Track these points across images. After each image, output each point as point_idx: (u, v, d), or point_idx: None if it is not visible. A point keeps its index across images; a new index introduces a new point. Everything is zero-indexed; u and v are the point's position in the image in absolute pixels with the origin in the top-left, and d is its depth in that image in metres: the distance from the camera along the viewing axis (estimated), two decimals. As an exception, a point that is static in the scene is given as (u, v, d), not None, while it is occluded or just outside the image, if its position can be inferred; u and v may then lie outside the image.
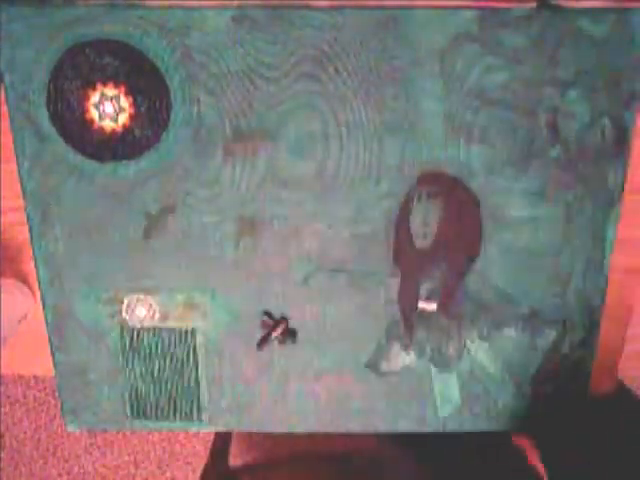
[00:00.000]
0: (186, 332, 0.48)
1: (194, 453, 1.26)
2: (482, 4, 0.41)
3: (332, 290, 0.46)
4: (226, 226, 0.45)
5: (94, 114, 0.42)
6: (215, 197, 0.44)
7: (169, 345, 0.48)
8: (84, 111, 0.42)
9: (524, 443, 0.63)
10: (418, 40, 0.40)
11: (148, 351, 0.48)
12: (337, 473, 0.85)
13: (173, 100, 0.42)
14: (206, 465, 0.84)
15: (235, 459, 1.13)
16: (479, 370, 0.48)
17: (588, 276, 0.46)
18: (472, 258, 0.45)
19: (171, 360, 0.49)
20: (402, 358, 0.48)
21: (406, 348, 0.48)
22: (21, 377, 1.26)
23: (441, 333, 0.47)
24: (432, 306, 0.47)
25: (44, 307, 0.47)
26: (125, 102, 0.42)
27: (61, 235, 0.45)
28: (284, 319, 0.47)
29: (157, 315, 0.47)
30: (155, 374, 0.49)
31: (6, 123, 0.44)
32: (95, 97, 0.42)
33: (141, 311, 0.47)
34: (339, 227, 0.45)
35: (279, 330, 0.47)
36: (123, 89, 0.42)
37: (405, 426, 0.50)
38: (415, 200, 0.44)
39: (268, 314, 0.47)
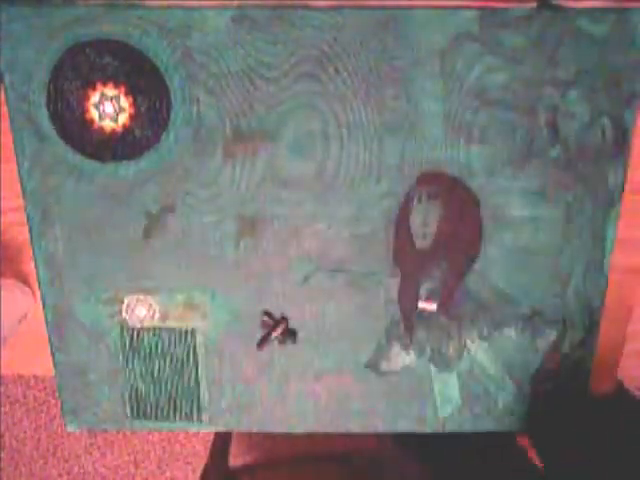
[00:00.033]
0: (186, 332, 0.48)
1: (194, 453, 1.26)
2: (482, 4, 0.41)
3: (332, 290, 0.46)
4: (226, 226, 0.45)
5: (94, 114, 0.42)
6: (215, 197, 0.44)
7: (169, 345, 0.48)
8: (84, 111, 0.42)
9: (527, 443, 0.63)
10: (418, 40, 0.40)
11: (148, 351, 0.48)
12: (337, 473, 0.85)
13: (173, 100, 0.42)
14: (206, 465, 0.84)
15: (235, 459, 1.13)
16: (479, 370, 0.48)
17: (588, 276, 0.46)
18: (472, 258, 0.45)
19: (171, 360, 0.49)
20: (402, 358, 0.48)
21: (406, 348, 0.48)
22: (21, 377, 1.26)
23: (441, 333, 0.47)
24: (432, 306, 0.47)
25: (44, 307, 0.47)
26: (125, 102, 0.42)
27: (61, 235, 0.45)
28: (284, 319, 0.47)
29: (157, 315, 0.47)
30: (155, 374, 0.49)
31: (6, 123, 0.44)
32: (95, 97, 0.42)
33: (141, 311, 0.47)
34: (339, 227, 0.45)
35: (279, 330, 0.47)
36: (123, 89, 0.42)
37: (405, 426, 0.50)
38: (415, 200, 0.44)
39: (268, 314, 0.47)
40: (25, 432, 1.28)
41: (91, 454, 1.28)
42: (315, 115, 0.42)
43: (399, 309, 0.47)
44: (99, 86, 0.41)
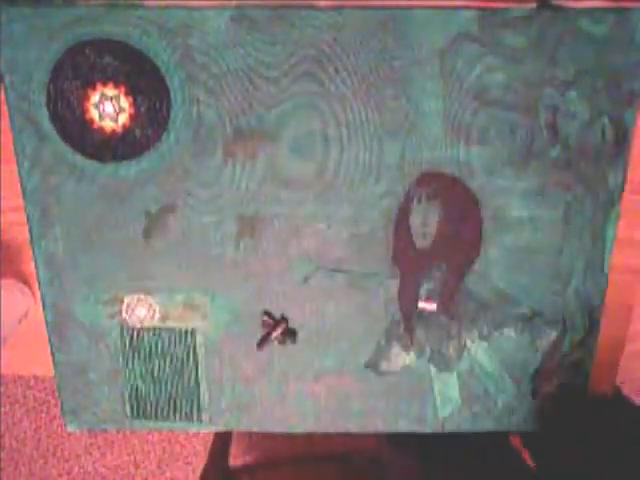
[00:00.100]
0: (186, 332, 0.48)
1: (194, 453, 1.26)
2: (482, 4, 0.41)
3: (332, 290, 0.46)
4: (226, 226, 0.45)
5: (94, 114, 0.42)
6: (215, 197, 0.44)
7: (169, 345, 0.48)
8: (84, 111, 0.42)
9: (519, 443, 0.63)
10: (418, 40, 0.40)
11: (148, 351, 0.48)
12: (337, 473, 0.85)
13: (173, 100, 0.42)
14: (206, 465, 0.84)
15: (235, 459, 1.13)
16: (479, 370, 0.48)
17: (588, 276, 0.46)
18: (472, 258, 0.45)
19: (171, 360, 0.49)
20: (402, 358, 0.48)
21: (406, 348, 0.48)
22: (21, 377, 1.26)
23: (441, 333, 0.47)
24: (432, 306, 0.47)
25: (44, 307, 0.47)
26: (125, 102, 0.42)
27: (61, 235, 0.45)
28: (284, 319, 0.47)
29: (157, 315, 0.47)
30: (155, 374, 0.49)
31: (6, 123, 0.44)
32: (95, 97, 0.42)
33: (141, 311, 0.47)
34: (339, 227, 0.45)
35: (279, 330, 0.47)
36: (123, 89, 0.42)
37: (405, 426, 0.50)
38: (415, 200, 0.44)
39: (268, 314, 0.47)
40: (25, 432, 1.28)
41: (91, 454, 1.28)
42: (315, 115, 0.42)
43: (399, 309, 0.47)
44: (99, 86, 0.41)
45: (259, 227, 0.45)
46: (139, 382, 0.49)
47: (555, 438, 0.54)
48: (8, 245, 0.50)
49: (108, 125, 0.42)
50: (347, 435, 0.52)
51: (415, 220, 0.44)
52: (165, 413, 0.50)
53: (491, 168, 0.43)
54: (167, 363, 0.49)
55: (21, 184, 0.44)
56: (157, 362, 0.49)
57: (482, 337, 0.47)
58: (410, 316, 0.47)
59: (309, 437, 1.11)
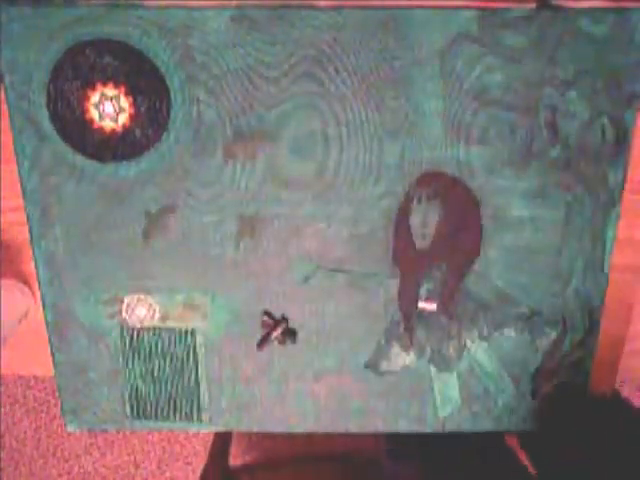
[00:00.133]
0: (186, 332, 0.48)
1: (194, 453, 1.26)
2: (482, 4, 0.41)
3: (332, 290, 0.46)
4: (226, 226, 0.45)
5: (94, 114, 0.42)
6: (215, 197, 0.44)
7: (169, 345, 0.48)
8: (84, 111, 0.42)
9: (515, 443, 0.63)
10: (418, 40, 0.40)
11: (148, 351, 0.48)
12: (337, 473, 0.85)
13: (173, 100, 0.42)
14: (206, 465, 0.84)
15: (235, 459, 1.13)
16: (479, 370, 0.48)
17: (588, 276, 0.46)
18: (472, 258, 0.45)
19: (171, 360, 0.49)
20: (402, 358, 0.48)
21: (406, 348, 0.48)
22: (21, 377, 1.26)
23: (441, 333, 0.47)
24: (432, 306, 0.47)
25: (44, 307, 0.47)
26: (125, 102, 0.42)
27: (61, 235, 0.45)
28: (284, 319, 0.47)
29: (157, 315, 0.47)
30: (155, 374, 0.49)
31: (6, 123, 0.44)
32: (95, 97, 0.42)
33: (141, 311, 0.47)
34: (339, 227, 0.45)
35: (279, 330, 0.47)
36: (123, 89, 0.42)
37: (405, 426, 0.50)
38: (415, 200, 0.44)
39: (268, 314, 0.47)
40: (25, 432, 1.28)
41: (91, 454, 1.28)
42: (315, 115, 0.42)
43: (399, 309, 0.47)
44: (99, 86, 0.41)
45: (259, 227, 0.45)
46: (139, 382, 0.49)
47: (555, 438, 0.54)
48: (8, 245, 0.50)
49: (108, 125, 0.42)
50: (347, 435, 0.52)
51: (415, 220, 0.44)
52: (165, 413, 0.50)
53: (491, 168, 0.43)
54: (167, 363, 0.49)
55: (21, 184, 0.44)
56: (157, 362, 0.49)
57: (482, 337, 0.47)
58: (410, 316, 0.47)
59: (309, 437, 1.11)
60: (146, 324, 0.48)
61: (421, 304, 0.47)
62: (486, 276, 0.46)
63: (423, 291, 0.46)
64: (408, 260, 0.45)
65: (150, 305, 0.47)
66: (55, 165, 0.43)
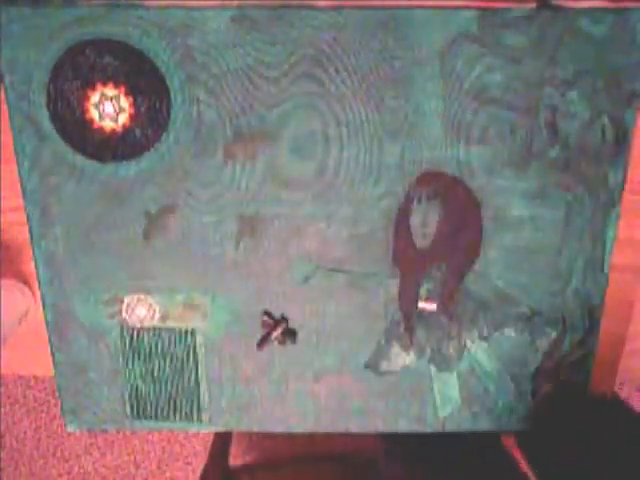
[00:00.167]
0: (186, 332, 0.48)
1: (194, 453, 1.26)
2: (482, 4, 0.41)
3: (332, 290, 0.46)
4: (226, 226, 0.45)
5: (94, 114, 0.42)
6: (215, 197, 0.44)
7: (169, 345, 0.48)
8: (84, 111, 0.42)
9: (511, 443, 0.63)
10: (418, 40, 0.40)
11: (148, 351, 0.48)
12: (337, 473, 0.85)
13: (173, 100, 0.42)
14: (206, 465, 0.84)
15: (235, 459, 1.13)
16: (479, 370, 0.48)
17: (588, 276, 0.46)
18: (472, 258, 0.45)
19: (171, 360, 0.49)
20: (402, 358, 0.48)
21: (406, 348, 0.48)
22: (21, 377, 1.26)
23: (441, 333, 0.47)
24: (432, 306, 0.47)
25: (44, 307, 0.47)
26: (125, 102, 0.42)
27: (61, 235, 0.45)
28: (284, 319, 0.47)
29: (157, 315, 0.47)
30: (155, 374, 0.49)
31: (6, 123, 0.44)
32: (95, 97, 0.42)
33: (141, 311, 0.47)
34: (339, 227, 0.45)
35: (279, 330, 0.47)
36: (123, 89, 0.42)
37: (405, 426, 0.50)
38: (415, 200, 0.44)
39: (268, 314, 0.47)
40: (25, 432, 1.28)
41: (91, 454, 1.28)
42: (315, 115, 0.42)
43: (399, 309, 0.47)
44: (99, 86, 0.41)
45: (259, 227, 0.45)
46: (139, 382, 0.49)
47: (555, 438, 0.54)
48: (8, 245, 0.50)
49: (108, 125, 0.42)
50: (347, 435, 0.52)
51: (415, 220, 0.44)
52: (165, 413, 0.50)
53: (491, 168, 0.43)
54: (167, 363, 0.49)
55: (21, 184, 0.44)
56: (157, 362, 0.49)
57: (482, 337, 0.47)
58: (410, 316, 0.47)
59: (309, 437, 1.11)
60: (146, 324, 0.48)
61: (421, 304, 0.47)
62: (486, 276, 0.46)
63: (423, 291, 0.46)
64: (408, 260, 0.45)
65: (150, 305, 0.47)
66: (55, 165, 0.43)
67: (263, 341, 0.47)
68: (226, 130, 0.42)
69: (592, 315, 0.47)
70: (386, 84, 0.41)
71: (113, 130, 0.42)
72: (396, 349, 0.48)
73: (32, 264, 0.49)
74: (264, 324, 0.47)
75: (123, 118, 0.42)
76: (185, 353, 0.48)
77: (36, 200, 0.44)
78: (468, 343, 0.48)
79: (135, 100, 0.42)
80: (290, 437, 1.14)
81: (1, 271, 0.50)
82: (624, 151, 0.42)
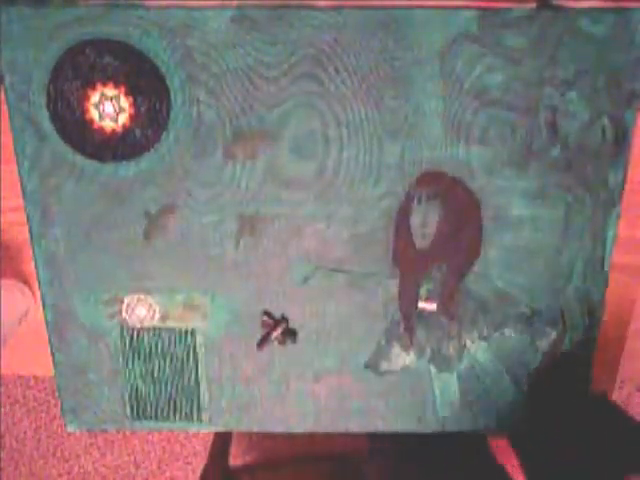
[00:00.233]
0: (186, 332, 0.48)
1: (194, 453, 1.26)
2: (482, 4, 0.41)
3: (332, 290, 0.46)
4: (226, 226, 0.45)
5: (94, 114, 0.42)
6: (215, 197, 0.44)
7: (169, 345, 0.48)
8: (84, 111, 0.42)
9: (502, 443, 0.63)
10: (418, 40, 0.40)
11: (148, 351, 0.48)
12: (337, 473, 0.85)
13: (173, 100, 0.42)
14: (206, 465, 0.84)
15: (235, 459, 1.13)
16: (479, 370, 0.48)
17: (588, 276, 0.46)
18: (472, 258, 0.45)
19: (171, 360, 0.49)
20: (402, 358, 0.48)
21: (406, 348, 0.48)
22: (21, 377, 1.26)
23: (441, 333, 0.47)
24: (432, 306, 0.47)
25: (44, 307, 0.47)
26: (125, 102, 0.42)
27: (61, 235, 0.45)
28: (284, 319, 0.47)
29: (157, 315, 0.47)
30: (155, 374, 0.49)
31: (6, 123, 0.44)
32: (95, 97, 0.42)
33: (141, 311, 0.47)
34: (339, 227, 0.45)
35: (279, 330, 0.47)
36: (123, 89, 0.42)
37: (405, 426, 0.50)
38: (415, 200, 0.44)
39: (268, 314, 0.47)
40: (25, 432, 1.28)
41: (91, 454, 1.28)
42: (315, 115, 0.42)
43: (399, 309, 0.47)
44: (99, 86, 0.41)
45: (259, 227, 0.45)
46: (139, 382, 0.49)
47: (552, 438, 0.54)
48: (8, 245, 0.50)
49: (108, 125, 0.42)
50: (347, 435, 0.52)
51: (415, 220, 0.44)
52: (165, 413, 0.50)
53: (491, 168, 0.43)
54: (167, 363, 0.49)
55: (21, 184, 0.44)
56: (157, 362, 0.49)
57: (482, 337, 0.47)
58: (410, 316, 0.47)
59: (309, 437, 1.11)
60: (146, 324, 0.48)
61: (421, 304, 0.47)
62: (486, 276, 0.46)
63: (423, 291, 0.46)
64: (408, 260, 0.45)
65: (150, 305, 0.47)
66: (55, 165, 0.43)
67: (263, 341, 0.47)
68: (226, 130, 0.42)
69: (592, 315, 0.47)
70: (386, 84, 0.41)
71: (113, 130, 0.42)
72: (396, 349, 0.48)
73: (32, 264, 0.49)
74: (264, 324, 0.47)
75: (123, 118, 0.42)
76: (185, 353, 0.48)
77: (36, 200, 0.44)
78: (468, 343, 0.48)
79: (135, 100, 0.42)
80: (290, 437, 1.14)
81: (1, 271, 0.50)
82: (624, 151, 0.42)
